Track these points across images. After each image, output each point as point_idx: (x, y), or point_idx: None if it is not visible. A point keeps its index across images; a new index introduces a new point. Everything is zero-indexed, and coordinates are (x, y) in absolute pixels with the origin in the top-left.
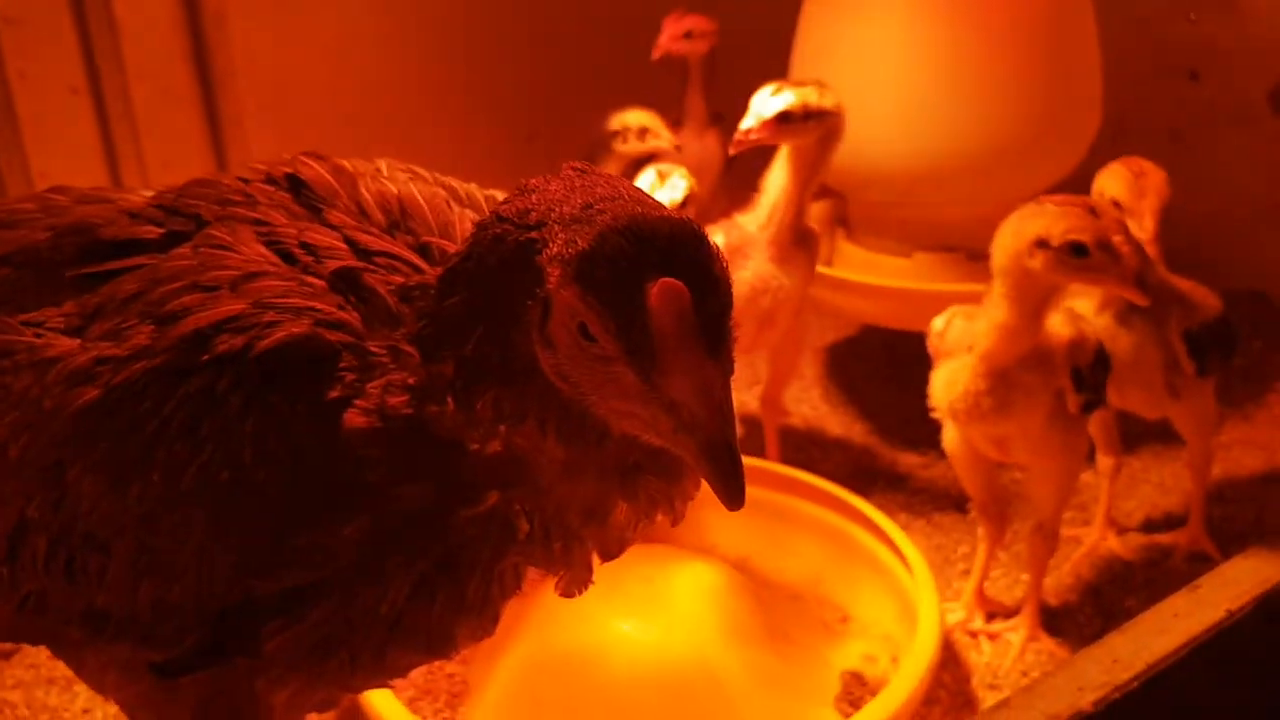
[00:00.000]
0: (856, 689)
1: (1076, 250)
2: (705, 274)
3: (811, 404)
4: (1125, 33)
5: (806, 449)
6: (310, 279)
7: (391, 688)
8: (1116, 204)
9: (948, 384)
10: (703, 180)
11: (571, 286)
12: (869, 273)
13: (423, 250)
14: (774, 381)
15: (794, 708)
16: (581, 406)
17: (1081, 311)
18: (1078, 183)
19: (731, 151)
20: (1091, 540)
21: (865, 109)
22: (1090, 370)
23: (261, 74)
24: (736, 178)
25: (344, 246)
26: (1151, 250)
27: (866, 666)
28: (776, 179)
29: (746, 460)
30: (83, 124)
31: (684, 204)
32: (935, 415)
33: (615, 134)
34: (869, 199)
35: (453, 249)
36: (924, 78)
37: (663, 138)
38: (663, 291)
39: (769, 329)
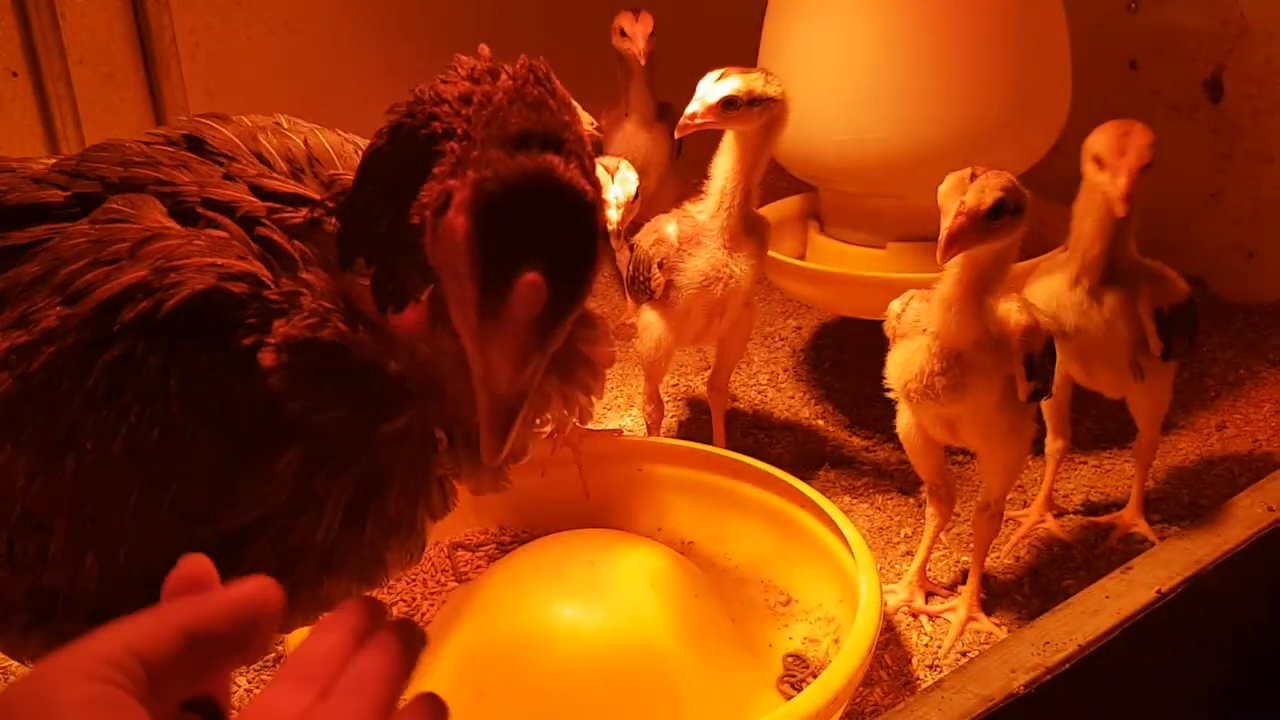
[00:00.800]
0: (798, 671)
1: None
2: (576, 281)
3: (759, 389)
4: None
5: (753, 433)
6: (213, 232)
7: None
8: (1098, 160)
9: (903, 364)
10: (651, 172)
11: (468, 217)
12: (843, 265)
13: (330, 186)
14: (721, 368)
15: (737, 691)
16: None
17: (1055, 288)
18: (1046, 168)
19: (677, 135)
20: (1030, 522)
21: (836, 99)
22: (1041, 359)
23: (205, 57)
24: (685, 169)
25: (248, 197)
26: (1120, 209)
27: (808, 648)
28: (722, 166)
29: (694, 445)
30: (23, 107)
31: (636, 198)
32: (891, 396)
33: None
34: (841, 190)
35: None
36: (895, 66)
37: (585, 122)
38: (529, 290)
39: (720, 318)
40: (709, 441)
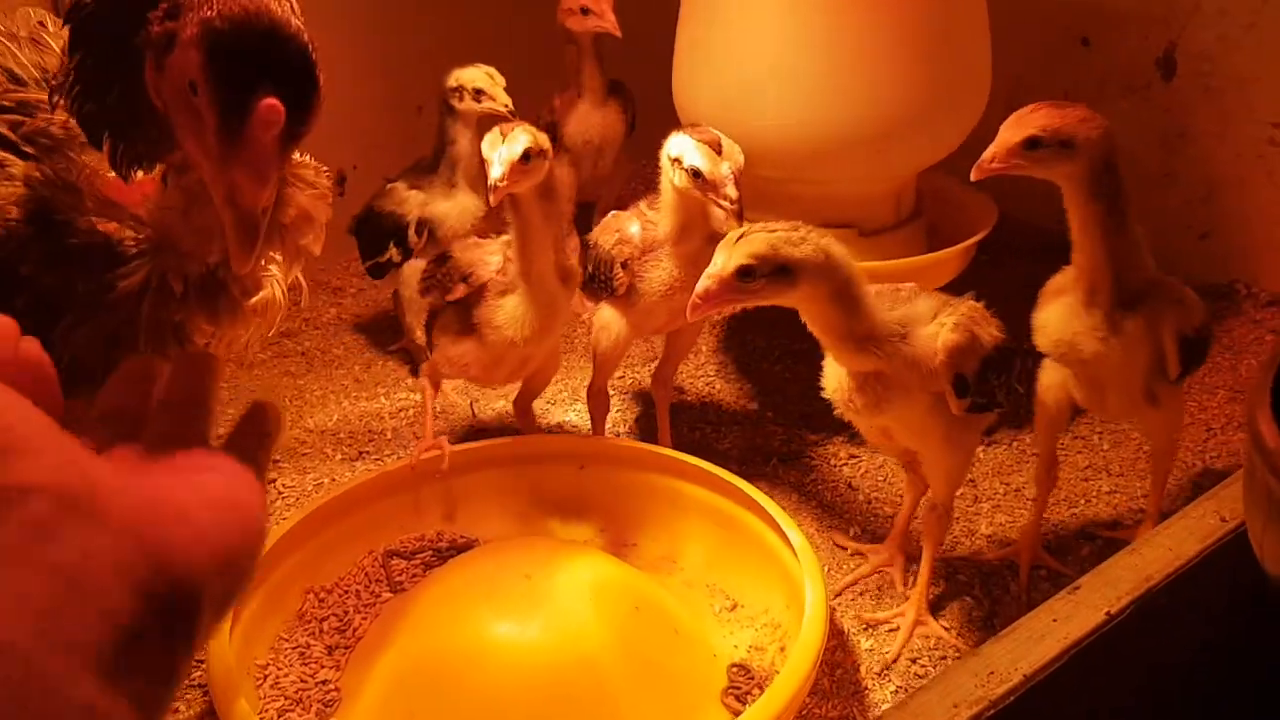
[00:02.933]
0: (743, 682)
1: None
2: (307, 100)
3: (706, 380)
4: None
5: (700, 428)
6: None
7: (259, 702)
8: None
9: (829, 377)
10: (607, 151)
11: (199, 50)
12: None
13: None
14: (668, 360)
15: (680, 705)
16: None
17: (1067, 313)
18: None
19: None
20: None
21: (753, 83)
22: (977, 378)
23: None
24: (638, 148)
25: None
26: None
27: (754, 657)
28: (665, 205)
29: (635, 444)
30: None
31: (524, 158)
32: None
33: (452, 91)
34: (761, 175)
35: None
36: (812, 51)
37: (498, 100)
38: (267, 111)
39: (679, 318)
40: (655, 437)
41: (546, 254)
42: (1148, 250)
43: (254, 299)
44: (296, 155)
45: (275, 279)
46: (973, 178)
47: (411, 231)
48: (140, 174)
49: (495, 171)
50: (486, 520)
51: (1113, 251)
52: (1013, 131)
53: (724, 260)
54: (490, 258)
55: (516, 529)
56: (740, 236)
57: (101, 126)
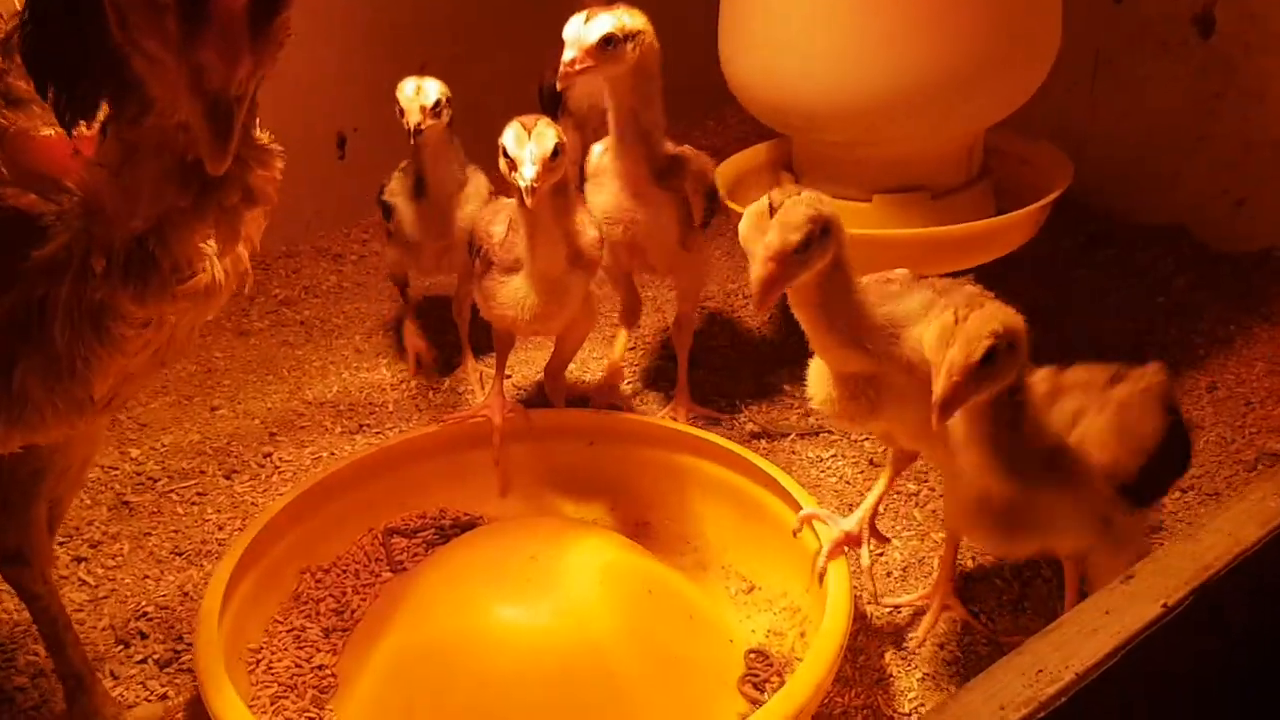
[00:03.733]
0: (761, 669)
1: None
2: None
3: (722, 354)
4: None
5: (714, 400)
6: None
7: (251, 688)
8: None
9: (818, 381)
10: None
11: None
12: None
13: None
14: (682, 302)
15: (694, 694)
16: (137, 80)
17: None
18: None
19: (559, 86)
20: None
21: (815, 41)
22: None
23: None
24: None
25: None
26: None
27: (772, 643)
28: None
29: (646, 419)
30: None
31: (554, 155)
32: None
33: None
34: (821, 140)
35: None
36: (880, 6)
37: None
38: None
39: (640, 256)
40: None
41: (556, 246)
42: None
43: (189, 282)
44: (257, 133)
45: (212, 259)
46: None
47: None
48: (84, 127)
49: (529, 172)
50: (491, 497)
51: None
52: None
53: (778, 236)
54: (495, 227)
55: (524, 507)
56: (771, 209)
57: (49, 69)
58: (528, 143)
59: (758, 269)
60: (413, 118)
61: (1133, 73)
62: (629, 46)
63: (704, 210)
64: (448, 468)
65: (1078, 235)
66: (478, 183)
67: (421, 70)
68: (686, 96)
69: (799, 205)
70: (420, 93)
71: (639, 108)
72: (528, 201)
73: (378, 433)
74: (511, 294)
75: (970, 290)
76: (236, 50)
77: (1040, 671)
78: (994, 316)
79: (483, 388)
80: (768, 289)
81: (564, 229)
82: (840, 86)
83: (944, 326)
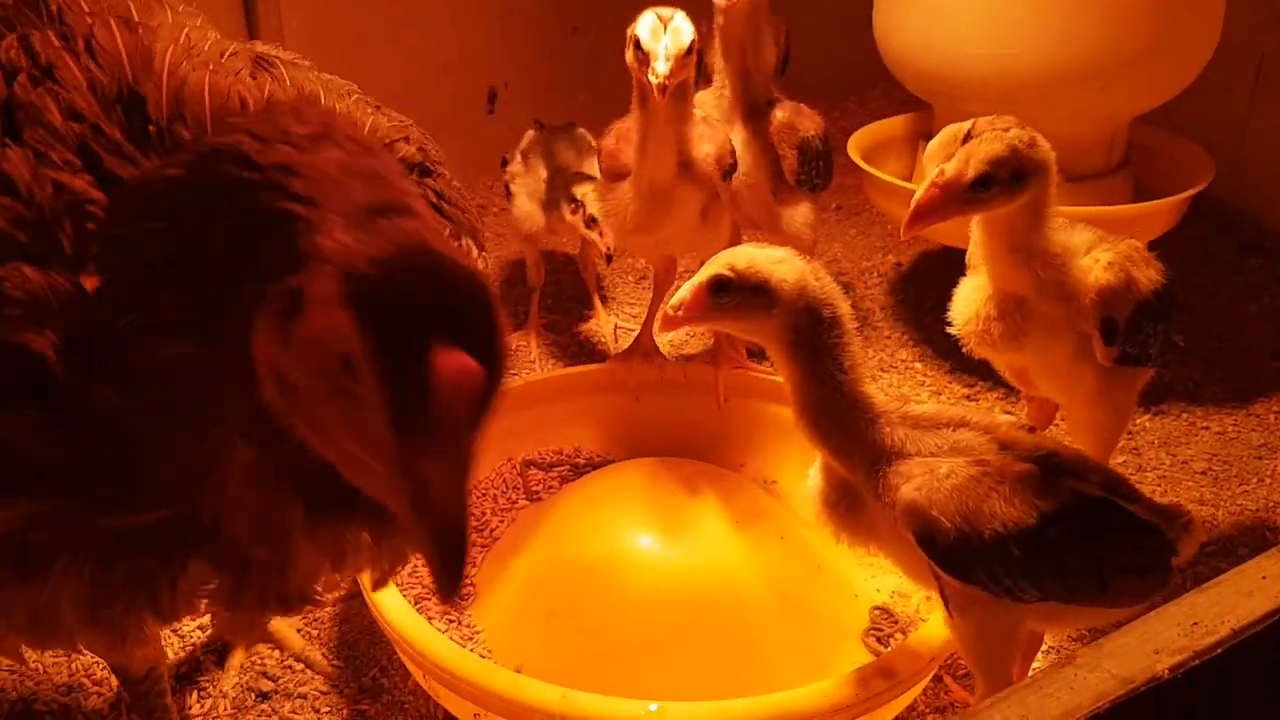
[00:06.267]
0: (886, 625)
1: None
2: (496, 353)
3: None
4: None
5: None
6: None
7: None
8: None
9: (965, 302)
10: (758, 78)
11: (348, 311)
12: None
13: (140, 134)
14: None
15: (819, 639)
16: (291, 426)
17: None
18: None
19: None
20: None
21: (963, 6)
22: (1129, 325)
23: None
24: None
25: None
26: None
27: (898, 603)
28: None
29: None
30: None
31: (689, 52)
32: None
33: None
34: (964, 110)
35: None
36: None
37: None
38: (460, 373)
39: (737, 206)
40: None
41: (667, 151)
42: None
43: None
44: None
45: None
46: None
47: None
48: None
49: (661, 68)
50: (623, 442)
51: None
52: None
53: (957, 166)
54: (605, 140)
55: (654, 455)
56: (967, 136)
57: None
58: (663, 36)
59: (919, 192)
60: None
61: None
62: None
63: (798, 166)
64: (585, 409)
65: (1229, 241)
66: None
67: (574, 31)
68: (832, 79)
69: (996, 141)
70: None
71: (747, 43)
72: (657, 98)
73: (515, 375)
74: (616, 201)
75: (1131, 243)
76: (465, 461)
77: (1196, 624)
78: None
79: (616, 340)
80: (919, 216)
81: (677, 134)
82: (989, 56)
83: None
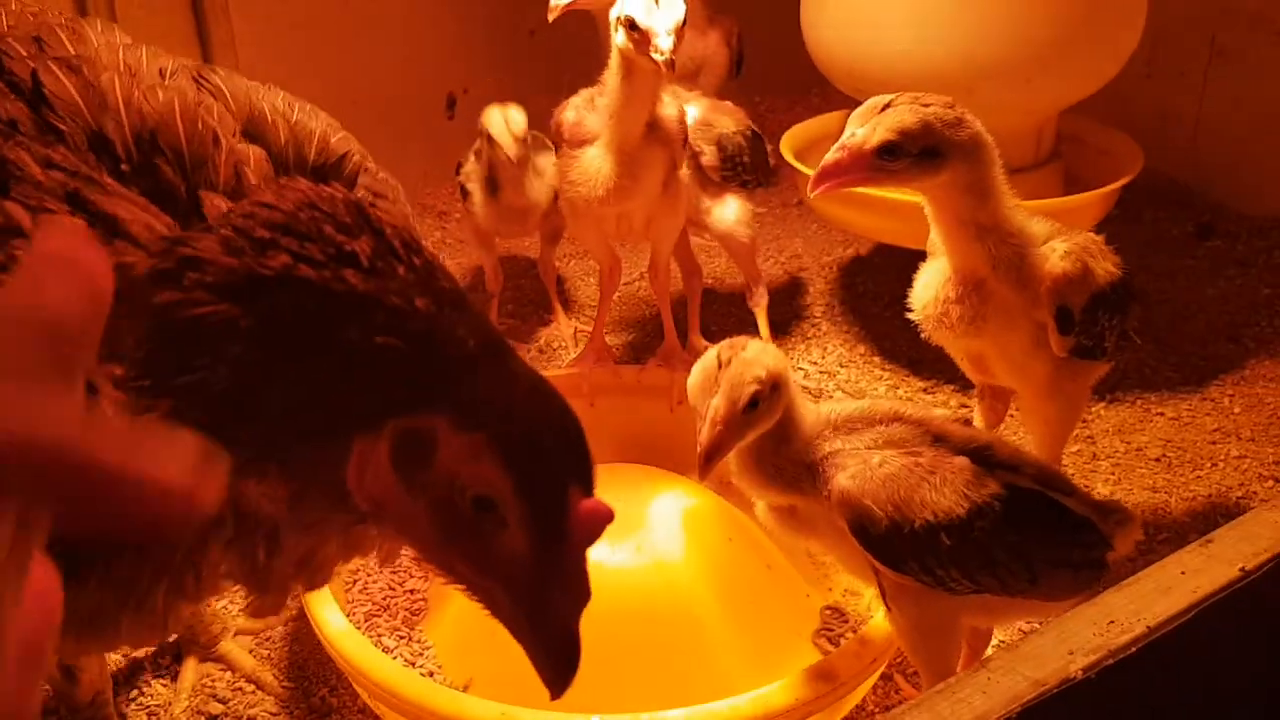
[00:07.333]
0: (837, 624)
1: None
2: (592, 478)
3: (813, 322)
4: None
5: (803, 368)
6: None
7: (347, 605)
8: None
9: (925, 285)
10: (709, 80)
11: (497, 468)
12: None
13: (167, 195)
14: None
15: (769, 641)
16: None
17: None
18: (1109, 95)
19: (667, 78)
20: None
21: (885, 6)
22: (1085, 315)
23: None
24: (745, 78)
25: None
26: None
27: (849, 601)
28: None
29: None
30: None
31: (684, 25)
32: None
33: None
34: None
35: (215, 205)
36: None
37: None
38: (593, 515)
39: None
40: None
41: (641, 116)
42: None
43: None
44: None
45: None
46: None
47: None
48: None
49: (666, 43)
50: None
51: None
52: None
53: (865, 132)
54: (565, 114)
55: (610, 459)
56: (886, 105)
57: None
58: (656, 11)
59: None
60: (512, 150)
61: (1246, 62)
62: None
63: (719, 162)
64: None
65: (1185, 224)
66: (547, 159)
67: (531, 34)
68: (791, 73)
69: (908, 112)
70: (511, 122)
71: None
72: (667, 75)
73: None
74: (585, 167)
75: (1089, 235)
76: (586, 589)
77: (1112, 622)
78: (756, 361)
79: (576, 344)
80: (824, 176)
81: (652, 101)
82: (910, 54)
83: (706, 372)
